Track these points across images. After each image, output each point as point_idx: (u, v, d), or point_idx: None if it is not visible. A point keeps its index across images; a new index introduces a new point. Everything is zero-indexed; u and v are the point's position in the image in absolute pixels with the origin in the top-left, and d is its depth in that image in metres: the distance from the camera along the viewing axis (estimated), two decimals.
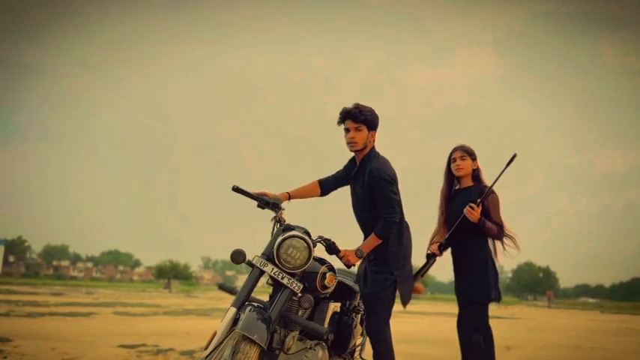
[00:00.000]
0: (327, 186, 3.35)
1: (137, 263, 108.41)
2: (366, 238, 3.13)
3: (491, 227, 3.41)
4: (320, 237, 2.88)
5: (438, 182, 3.70)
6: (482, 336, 3.43)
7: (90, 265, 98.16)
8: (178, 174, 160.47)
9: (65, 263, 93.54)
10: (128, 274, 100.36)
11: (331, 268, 2.92)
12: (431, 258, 3.55)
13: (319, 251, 2.94)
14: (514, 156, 3.32)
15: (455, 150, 3.61)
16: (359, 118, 3.03)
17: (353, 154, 3.22)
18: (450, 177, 3.65)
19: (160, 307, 15.60)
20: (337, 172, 3.37)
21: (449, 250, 3.63)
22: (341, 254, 2.96)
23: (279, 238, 2.71)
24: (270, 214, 2.93)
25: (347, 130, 3.08)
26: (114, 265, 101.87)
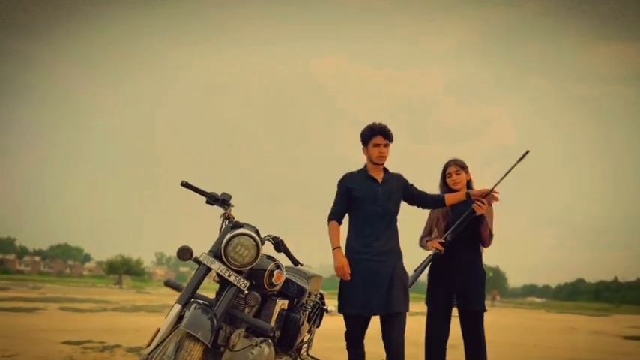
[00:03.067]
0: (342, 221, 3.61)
1: (87, 258, 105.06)
2: (380, 229, 3.40)
3: (487, 227, 3.53)
4: (268, 235, 2.93)
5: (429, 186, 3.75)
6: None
7: (37, 258, 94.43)
8: (133, 168, 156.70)
9: (11, 256, 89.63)
10: (78, 268, 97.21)
11: (279, 266, 2.95)
12: (436, 256, 3.56)
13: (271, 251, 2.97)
14: (526, 153, 3.39)
15: (449, 165, 3.67)
16: (389, 136, 3.41)
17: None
18: (447, 189, 3.68)
19: (109, 303, 15.25)
20: (340, 207, 3.55)
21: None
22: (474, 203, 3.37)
23: (228, 236, 2.71)
24: (219, 210, 2.93)
25: (377, 145, 3.39)
26: (63, 259, 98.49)
